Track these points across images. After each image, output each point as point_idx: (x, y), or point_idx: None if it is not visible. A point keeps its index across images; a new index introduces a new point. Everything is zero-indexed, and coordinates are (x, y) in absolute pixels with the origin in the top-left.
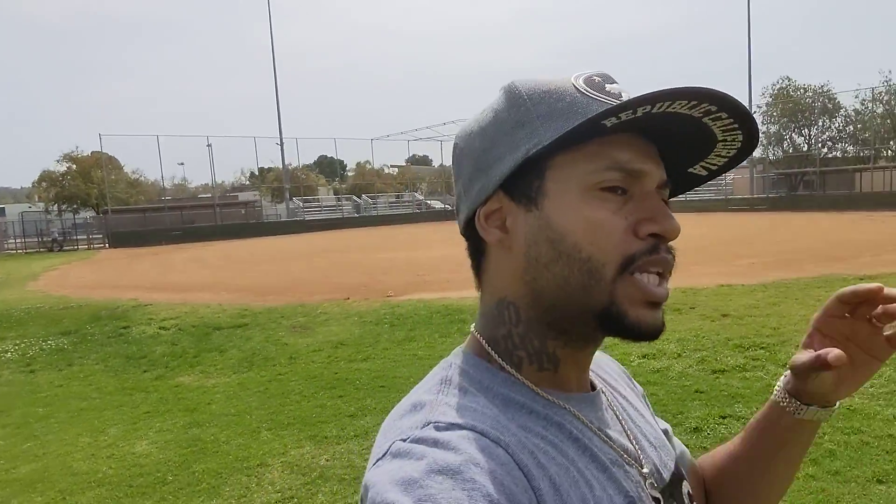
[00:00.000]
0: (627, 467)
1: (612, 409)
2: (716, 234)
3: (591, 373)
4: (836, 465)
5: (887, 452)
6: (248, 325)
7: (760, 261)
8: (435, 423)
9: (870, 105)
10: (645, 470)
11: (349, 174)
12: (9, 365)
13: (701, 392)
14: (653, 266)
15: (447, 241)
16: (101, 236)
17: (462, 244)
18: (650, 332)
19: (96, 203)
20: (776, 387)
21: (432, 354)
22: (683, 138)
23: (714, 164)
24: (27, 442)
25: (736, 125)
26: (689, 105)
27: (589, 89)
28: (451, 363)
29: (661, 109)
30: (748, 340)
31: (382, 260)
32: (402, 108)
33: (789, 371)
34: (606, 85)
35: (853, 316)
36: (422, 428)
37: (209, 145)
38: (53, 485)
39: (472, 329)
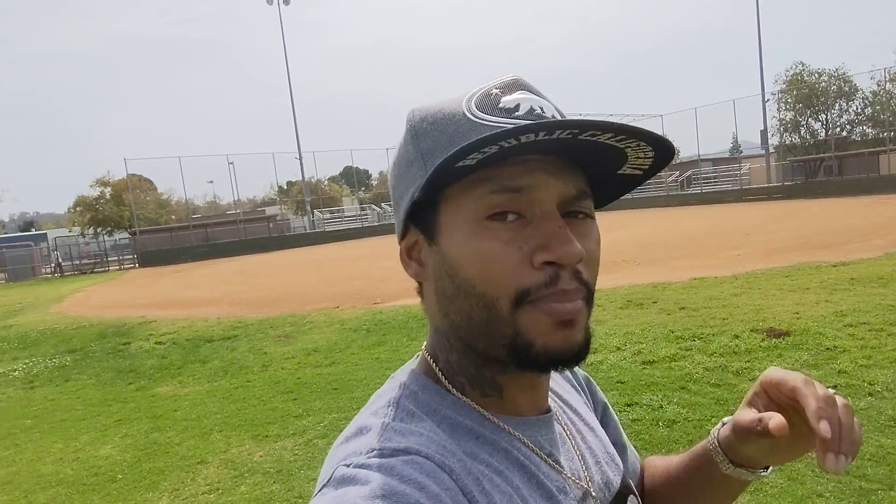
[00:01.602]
0: (575, 491)
1: (564, 430)
2: (719, 225)
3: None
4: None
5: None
6: (238, 337)
7: (747, 252)
8: (380, 449)
9: (887, 86)
10: (593, 494)
11: (374, 183)
12: (13, 383)
13: (622, 382)
14: (552, 300)
15: None
16: (131, 257)
17: None
18: (563, 357)
19: (129, 225)
20: (711, 433)
21: (394, 357)
22: (594, 148)
23: (644, 165)
24: (7, 450)
25: (628, 138)
26: (565, 132)
27: (478, 112)
28: (401, 383)
29: (532, 139)
30: (689, 332)
31: (384, 268)
32: None
33: (726, 421)
34: (504, 98)
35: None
36: (367, 454)
37: (231, 163)
38: (19, 486)
39: (423, 348)
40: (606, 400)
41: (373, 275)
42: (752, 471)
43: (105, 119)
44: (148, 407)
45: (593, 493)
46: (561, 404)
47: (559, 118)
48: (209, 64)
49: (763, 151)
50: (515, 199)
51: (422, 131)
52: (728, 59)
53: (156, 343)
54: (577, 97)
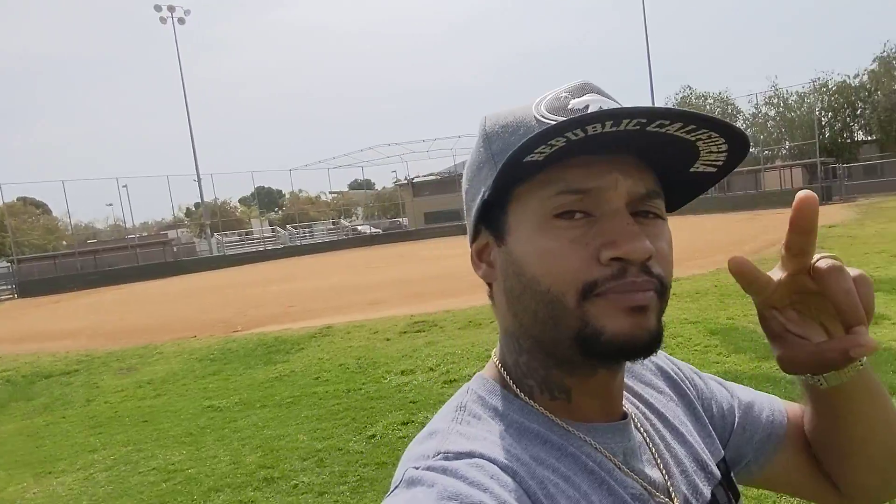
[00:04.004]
0: (653, 501)
1: (645, 437)
2: None
3: (625, 394)
4: None
5: None
6: (78, 371)
7: None
8: (445, 452)
9: (763, 109)
10: (675, 503)
11: (286, 203)
12: None
13: (413, 402)
14: (619, 293)
15: (351, 269)
16: (8, 287)
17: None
18: (634, 344)
19: (10, 252)
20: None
21: (221, 387)
22: (666, 144)
23: (718, 161)
24: None
25: (700, 129)
26: (632, 123)
27: (548, 114)
28: (469, 388)
29: (598, 131)
30: None
31: (268, 293)
32: (340, 133)
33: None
34: (573, 100)
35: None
36: (433, 457)
37: (124, 186)
38: None
39: (493, 354)
40: (704, 378)
41: (253, 301)
42: (836, 371)
43: None
44: None
45: None
46: (643, 409)
47: None
48: (108, 84)
49: None
50: (583, 200)
51: (493, 135)
52: (621, 82)
53: None
54: (456, 112)
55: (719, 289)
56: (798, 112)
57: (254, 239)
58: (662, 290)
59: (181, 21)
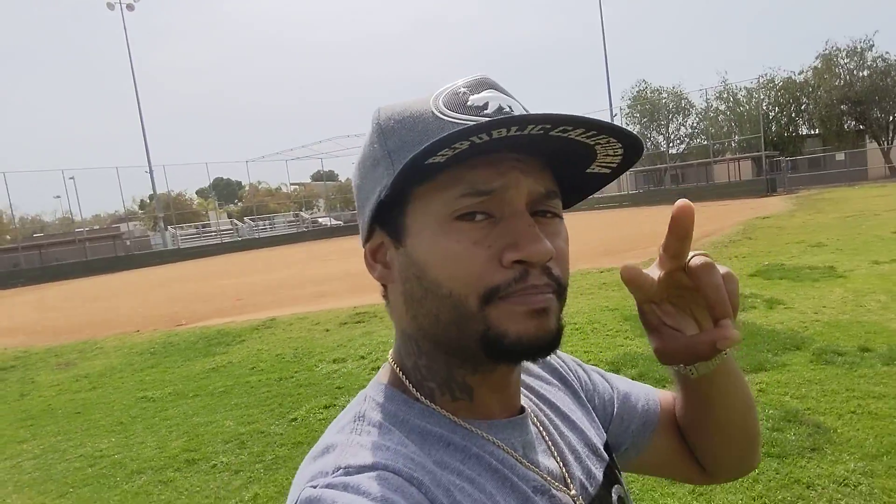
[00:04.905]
0: (553, 491)
1: (540, 429)
2: None
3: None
4: None
5: None
6: (15, 368)
7: None
8: (345, 467)
9: (714, 103)
10: (572, 491)
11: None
12: None
13: (340, 388)
14: (522, 295)
15: (306, 261)
16: None
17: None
18: (536, 345)
19: None
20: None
21: (157, 379)
22: (564, 146)
23: (613, 163)
24: None
25: (600, 135)
26: (537, 128)
27: (446, 111)
28: (367, 395)
29: (503, 135)
30: None
31: (218, 286)
32: (305, 125)
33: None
34: (472, 96)
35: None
36: (333, 473)
37: (71, 178)
38: None
39: (389, 358)
40: (587, 370)
41: (202, 295)
42: (710, 359)
43: None
44: None
45: (572, 491)
46: (536, 400)
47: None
48: (49, 73)
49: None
50: (486, 201)
51: (389, 129)
52: (580, 77)
53: None
54: None
55: None
56: (747, 107)
57: (210, 232)
58: (561, 291)
59: (130, 7)
